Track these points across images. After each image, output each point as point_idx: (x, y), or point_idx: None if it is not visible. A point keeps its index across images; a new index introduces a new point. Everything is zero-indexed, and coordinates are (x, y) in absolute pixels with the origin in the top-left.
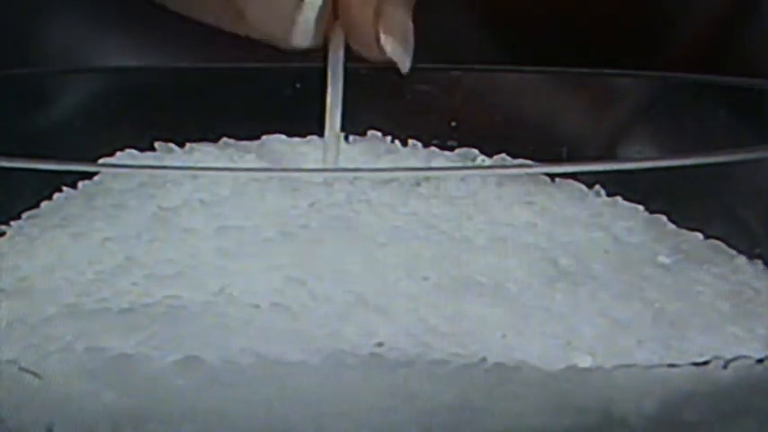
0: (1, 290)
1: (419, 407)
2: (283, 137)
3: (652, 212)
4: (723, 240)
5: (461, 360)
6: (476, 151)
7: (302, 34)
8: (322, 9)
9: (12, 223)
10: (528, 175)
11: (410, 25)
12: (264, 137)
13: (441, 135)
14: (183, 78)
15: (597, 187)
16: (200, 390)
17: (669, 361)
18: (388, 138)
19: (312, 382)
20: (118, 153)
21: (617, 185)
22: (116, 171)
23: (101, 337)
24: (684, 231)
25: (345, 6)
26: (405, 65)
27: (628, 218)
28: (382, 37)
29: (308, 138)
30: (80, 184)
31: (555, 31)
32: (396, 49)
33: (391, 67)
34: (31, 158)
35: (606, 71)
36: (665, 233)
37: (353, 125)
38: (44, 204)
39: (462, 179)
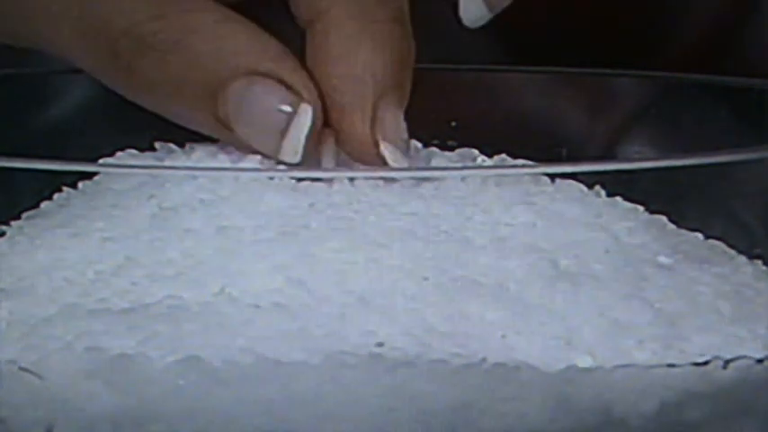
0: (1, 290)
1: (419, 407)
2: None
3: (652, 212)
4: (723, 240)
5: (461, 360)
6: (476, 151)
7: (292, 152)
8: (311, 127)
9: (12, 223)
10: (528, 175)
11: (404, 126)
12: None
13: (441, 135)
14: None
15: (597, 187)
16: (200, 390)
17: (669, 361)
18: None
19: (312, 382)
20: (118, 153)
21: (617, 185)
22: (116, 171)
23: (101, 337)
24: (684, 231)
25: (339, 118)
26: (402, 165)
27: (628, 218)
28: (381, 144)
29: None
30: (80, 184)
31: (555, 31)
32: (396, 155)
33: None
34: (31, 158)
35: (606, 71)
36: (665, 233)
37: None
38: (44, 204)
39: (462, 179)
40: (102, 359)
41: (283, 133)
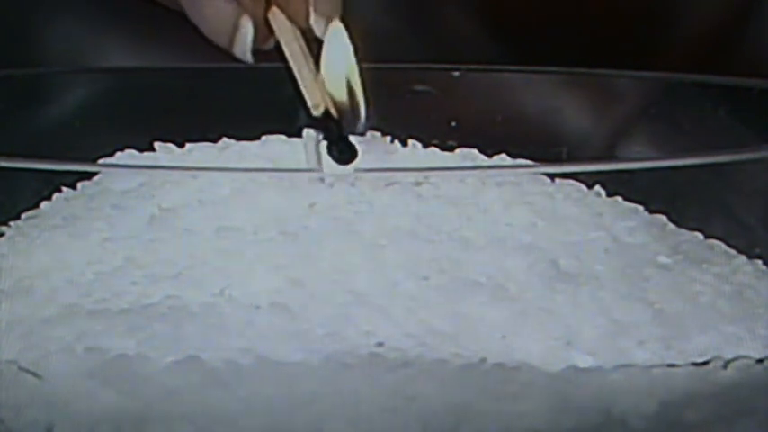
0: (1, 290)
1: (419, 407)
2: (283, 137)
3: (652, 212)
4: (723, 240)
5: (461, 360)
6: (476, 151)
7: (239, 54)
8: (255, 34)
9: (11, 223)
10: (528, 175)
11: (338, 5)
12: (264, 137)
13: (441, 135)
14: (182, 78)
15: (597, 187)
16: (200, 390)
17: (669, 361)
18: (388, 138)
19: (312, 382)
20: (118, 153)
21: (617, 185)
22: (116, 171)
23: (101, 337)
24: (684, 231)
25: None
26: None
27: (628, 218)
28: (312, 16)
29: None
30: (80, 184)
31: (555, 31)
32: (323, 28)
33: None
34: (31, 158)
35: (606, 71)
36: (665, 233)
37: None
38: (44, 205)
39: (462, 179)
40: (102, 359)
41: (231, 38)
